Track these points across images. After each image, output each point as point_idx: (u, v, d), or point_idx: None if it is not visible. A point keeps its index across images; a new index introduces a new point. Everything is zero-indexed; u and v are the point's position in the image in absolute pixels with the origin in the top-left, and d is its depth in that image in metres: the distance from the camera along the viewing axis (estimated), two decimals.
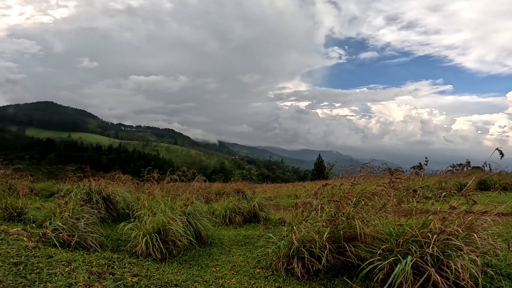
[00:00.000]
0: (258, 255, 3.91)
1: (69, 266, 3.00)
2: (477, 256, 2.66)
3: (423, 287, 2.60)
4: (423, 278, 2.54)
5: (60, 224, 3.57)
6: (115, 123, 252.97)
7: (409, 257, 2.66)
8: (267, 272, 3.37)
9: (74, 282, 2.65)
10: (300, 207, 3.67)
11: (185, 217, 4.24)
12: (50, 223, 3.69)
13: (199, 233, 4.43)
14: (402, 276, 2.57)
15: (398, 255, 2.80)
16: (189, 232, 4.11)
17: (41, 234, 3.55)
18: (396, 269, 2.62)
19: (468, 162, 3.91)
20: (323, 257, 3.10)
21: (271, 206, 7.27)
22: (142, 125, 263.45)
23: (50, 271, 2.82)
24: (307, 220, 3.57)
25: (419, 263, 2.65)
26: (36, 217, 4.43)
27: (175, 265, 3.50)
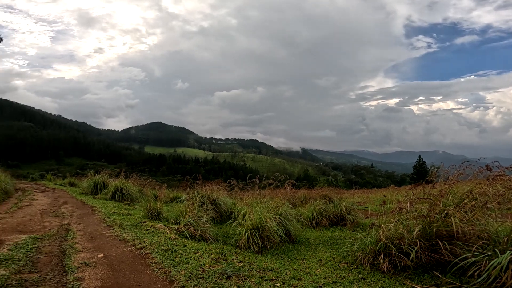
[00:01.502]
0: (343, 252, 4.20)
1: (198, 253, 3.97)
2: None
3: None
4: None
5: (191, 220, 4.71)
6: (208, 137, 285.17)
7: (508, 252, 2.60)
8: (351, 266, 3.65)
9: (203, 264, 3.55)
10: (387, 205, 3.76)
11: (278, 217, 4.87)
12: (182, 220, 4.90)
13: (289, 232, 4.98)
14: (498, 270, 2.54)
15: (496, 250, 2.76)
16: (280, 231, 4.72)
17: (176, 229, 4.76)
18: (492, 262, 2.61)
19: None
20: (412, 253, 3.16)
21: (359, 211, 7.21)
22: (230, 138, 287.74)
23: (186, 256, 3.83)
24: (398, 220, 3.63)
25: None
26: (170, 216, 5.81)
27: (269, 257, 4.16)
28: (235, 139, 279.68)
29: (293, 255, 4.32)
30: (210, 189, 7.36)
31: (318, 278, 3.28)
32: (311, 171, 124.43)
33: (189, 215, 4.96)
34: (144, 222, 5.52)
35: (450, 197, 3.73)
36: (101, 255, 3.74)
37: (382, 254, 3.36)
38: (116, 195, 9.28)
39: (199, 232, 4.64)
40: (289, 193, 6.90)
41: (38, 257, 3.43)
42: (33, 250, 3.66)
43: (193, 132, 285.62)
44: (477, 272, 2.72)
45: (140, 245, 4.13)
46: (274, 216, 4.83)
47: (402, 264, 3.23)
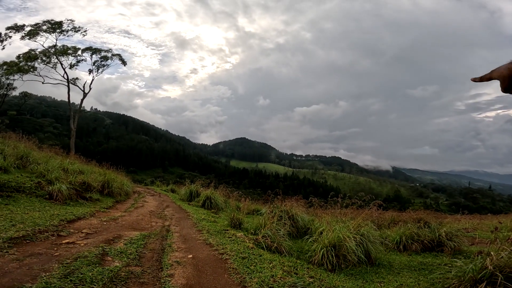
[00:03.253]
0: (433, 279, 3.71)
1: (271, 264, 4.10)
2: None
3: None
4: None
5: (269, 232, 4.92)
6: (288, 153, 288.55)
7: None
8: None
9: (274, 275, 3.65)
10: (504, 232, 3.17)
11: (358, 237, 4.62)
12: (260, 232, 5.14)
13: (369, 253, 4.64)
14: None
15: None
16: (359, 251, 4.47)
17: (255, 239, 5.02)
18: None
19: None
20: None
21: (464, 238, 6.08)
22: (311, 154, 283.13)
23: (260, 265, 4.00)
24: None
25: None
26: (250, 227, 6.15)
27: (342, 276, 3.98)
28: (316, 156, 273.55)
29: (370, 277, 4.05)
30: (289, 204, 7.44)
31: None
32: (403, 192, 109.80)
33: (268, 228, 5.16)
34: (227, 230, 6.00)
35: None
36: (190, 256, 4.16)
37: (485, 283, 3.04)
38: (206, 204, 10.36)
39: (275, 245, 4.78)
40: (374, 214, 6.37)
41: (144, 253, 4.00)
42: (142, 246, 4.28)
43: (274, 148, 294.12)
44: None
45: (222, 250, 4.48)
46: (354, 236, 4.61)
47: None
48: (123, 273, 3.06)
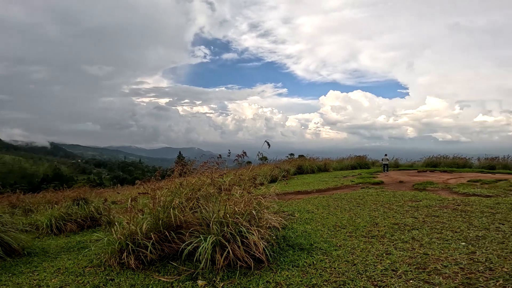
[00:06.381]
0: (91, 255, 3.97)
1: None
2: (267, 231, 3.47)
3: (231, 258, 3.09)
4: (226, 252, 3.07)
5: None
6: None
7: (210, 237, 3.19)
8: (99, 269, 3.47)
9: None
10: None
11: None
12: None
13: (9, 245, 4.19)
14: (209, 253, 3.06)
15: (201, 235, 3.31)
16: None
17: None
18: (200, 248, 3.15)
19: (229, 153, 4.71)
20: (149, 246, 3.38)
21: (121, 209, 7.10)
22: None
23: None
24: (132, 218, 3.69)
25: (221, 240, 3.16)
26: None
27: None
28: None
29: (18, 269, 3.65)
30: None
31: None
32: (65, 169, 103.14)
33: None
34: None
35: (187, 188, 4.16)
36: None
37: (125, 252, 3.35)
38: None
39: None
40: (15, 199, 5.53)
41: None
42: None
43: None
44: (198, 256, 3.09)
45: None
46: None
47: (148, 258, 3.33)
48: None
